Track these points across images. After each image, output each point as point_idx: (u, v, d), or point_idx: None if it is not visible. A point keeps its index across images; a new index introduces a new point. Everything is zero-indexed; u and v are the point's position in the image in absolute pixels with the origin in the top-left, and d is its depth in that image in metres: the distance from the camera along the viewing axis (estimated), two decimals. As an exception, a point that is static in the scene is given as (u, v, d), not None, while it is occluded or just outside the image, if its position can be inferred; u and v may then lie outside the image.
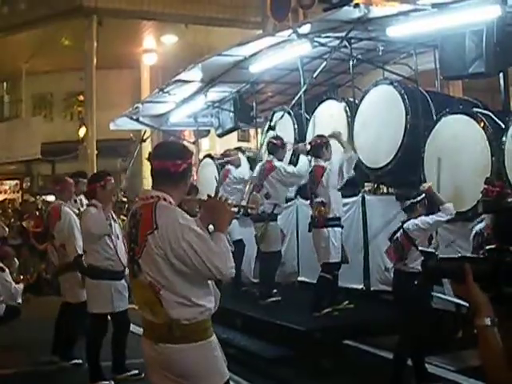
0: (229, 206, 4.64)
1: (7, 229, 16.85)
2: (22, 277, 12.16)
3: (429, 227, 8.02)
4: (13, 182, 32.41)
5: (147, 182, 25.23)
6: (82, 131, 25.76)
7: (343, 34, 10.35)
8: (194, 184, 11.55)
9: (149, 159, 4.56)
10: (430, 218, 8.01)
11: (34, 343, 9.51)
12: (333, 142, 9.97)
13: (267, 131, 10.75)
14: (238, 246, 10.94)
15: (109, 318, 8.73)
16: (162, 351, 4.39)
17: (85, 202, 11.15)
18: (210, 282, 4.49)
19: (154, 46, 26.21)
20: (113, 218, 8.61)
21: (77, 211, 10.11)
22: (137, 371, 8.69)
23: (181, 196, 4.61)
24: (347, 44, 10.87)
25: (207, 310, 4.40)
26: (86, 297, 9.44)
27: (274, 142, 10.81)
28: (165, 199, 4.40)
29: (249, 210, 9.60)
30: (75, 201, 10.80)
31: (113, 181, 8.72)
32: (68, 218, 9.68)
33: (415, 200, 8.22)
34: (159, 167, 4.51)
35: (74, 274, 9.57)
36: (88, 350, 8.63)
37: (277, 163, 10.65)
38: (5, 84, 35.24)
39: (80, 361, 9.42)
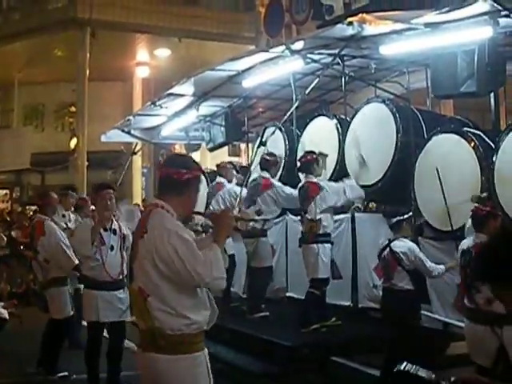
0: (230, 218, 4.65)
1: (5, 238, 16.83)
2: (9, 287, 12.11)
3: (418, 265, 8.05)
4: (2, 192, 32.29)
5: (137, 195, 25.26)
6: (73, 142, 25.70)
7: (336, 51, 10.38)
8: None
9: (157, 168, 4.62)
10: (426, 263, 8.04)
11: (23, 354, 9.47)
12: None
13: (258, 147, 10.76)
14: (230, 261, 10.94)
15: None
16: (148, 360, 4.40)
17: (73, 216, 11.15)
18: (204, 296, 4.47)
19: (147, 58, 26.19)
20: (111, 228, 8.60)
21: (64, 225, 10.08)
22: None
23: (184, 207, 4.59)
24: (340, 61, 10.92)
25: (195, 324, 4.36)
26: (70, 312, 9.49)
27: (268, 158, 10.84)
28: (162, 207, 4.43)
29: (238, 225, 9.59)
30: (63, 215, 10.75)
31: (112, 193, 8.74)
32: (53, 233, 9.64)
33: (401, 218, 8.25)
34: (164, 174, 4.56)
35: (58, 290, 9.58)
36: (85, 360, 8.63)
37: (275, 182, 10.70)
38: (-3, 93, 35.20)
39: (66, 373, 9.42)
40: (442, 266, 8.21)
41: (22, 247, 16.03)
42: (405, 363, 3.46)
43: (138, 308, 4.48)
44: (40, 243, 9.63)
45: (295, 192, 10.37)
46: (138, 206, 15.59)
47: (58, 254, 9.48)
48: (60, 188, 11.62)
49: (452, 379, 3.33)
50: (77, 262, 9.28)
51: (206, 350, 4.51)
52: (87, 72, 23.82)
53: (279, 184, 10.73)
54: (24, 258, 14.75)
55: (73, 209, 11.48)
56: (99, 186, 8.94)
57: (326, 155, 10.48)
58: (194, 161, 4.90)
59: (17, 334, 10.32)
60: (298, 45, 10.31)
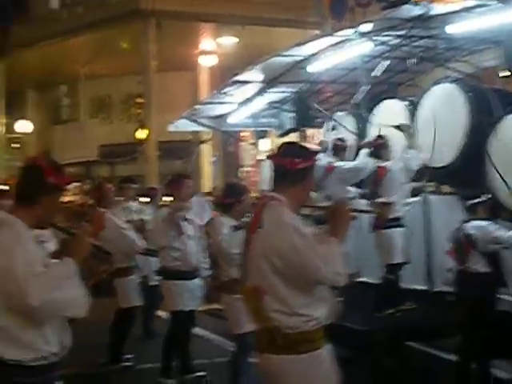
0: (347, 210, 4.44)
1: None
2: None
3: (494, 246, 7.84)
4: (73, 185, 32.67)
5: (206, 184, 25.35)
6: (141, 133, 25.91)
7: (403, 32, 10.24)
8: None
9: (269, 157, 4.51)
10: (506, 235, 7.81)
11: (94, 345, 9.59)
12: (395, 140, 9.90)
13: (328, 131, 10.67)
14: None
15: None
16: (267, 361, 4.28)
17: (135, 206, 11.15)
18: (323, 290, 4.30)
19: (212, 47, 26.22)
20: (187, 218, 8.65)
21: (124, 218, 10.03)
22: (203, 373, 8.73)
23: (299, 198, 4.42)
24: (408, 42, 10.77)
25: (314, 320, 4.20)
26: (138, 301, 9.57)
27: (337, 143, 10.78)
28: (277, 199, 4.30)
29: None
30: (124, 207, 10.73)
31: (190, 183, 8.78)
32: (113, 225, 9.57)
33: (477, 201, 8.08)
34: (277, 164, 4.41)
35: (124, 280, 9.66)
36: (164, 349, 8.71)
37: (336, 163, 10.62)
38: (64, 87, 35.65)
39: (131, 363, 9.53)
40: None
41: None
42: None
43: (252, 307, 4.37)
44: (101, 237, 9.59)
45: (355, 164, 10.28)
46: (209, 194, 15.67)
47: (121, 244, 9.48)
48: (119, 180, 11.63)
49: None
50: (142, 245, 9.34)
51: (327, 346, 4.34)
52: (153, 63, 23.98)
53: (338, 163, 10.63)
54: (96, 249, 14.85)
55: (135, 199, 11.48)
56: (178, 176, 9.00)
57: (408, 126, 10.31)
58: (307, 149, 4.75)
59: (88, 324, 10.44)
60: (366, 27, 10.19)
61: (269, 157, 4.53)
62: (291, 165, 4.32)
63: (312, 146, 12.26)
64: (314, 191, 10.43)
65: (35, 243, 4.05)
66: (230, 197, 7.68)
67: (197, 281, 8.69)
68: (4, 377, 3.91)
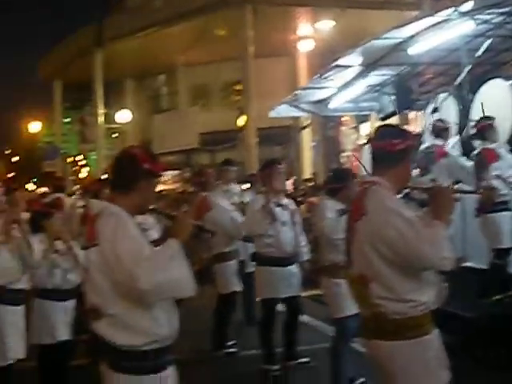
0: (450, 192, 4.38)
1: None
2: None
3: None
4: (173, 173, 33.10)
5: (307, 169, 25.32)
6: (241, 120, 26.03)
7: (507, 10, 9.97)
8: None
9: (368, 142, 4.49)
10: None
11: (198, 331, 9.67)
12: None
13: (431, 113, 10.47)
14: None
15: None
16: (374, 348, 4.27)
17: (236, 189, 11.19)
18: (431, 274, 4.26)
19: (310, 32, 26.13)
20: (280, 204, 8.62)
21: (226, 201, 10.10)
22: (307, 359, 8.73)
23: (400, 180, 4.40)
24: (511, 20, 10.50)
25: (422, 305, 4.16)
26: (237, 287, 9.60)
27: (438, 124, 10.57)
28: (379, 184, 4.27)
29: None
30: (225, 190, 10.78)
31: (282, 169, 8.74)
32: (219, 207, 9.71)
33: None
34: (376, 148, 4.40)
35: (223, 265, 9.70)
36: (259, 335, 8.74)
37: (453, 152, 10.43)
38: (162, 76, 36.15)
39: (235, 349, 9.58)
40: None
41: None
42: None
43: (358, 294, 4.37)
44: (206, 218, 9.63)
45: (469, 165, 10.01)
46: (309, 180, 15.60)
47: (227, 226, 9.55)
48: (219, 163, 11.68)
49: None
50: (244, 233, 9.36)
51: (435, 331, 4.29)
52: (251, 49, 24.04)
53: (455, 154, 10.41)
54: (198, 236, 15.01)
55: (235, 182, 11.50)
56: (268, 162, 8.96)
57: None
58: (405, 130, 4.74)
59: (191, 311, 10.57)
60: (467, 6, 9.96)
61: (367, 141, 4.49)
62: (390, 147, 4.30)
63: (411, 128, 12.03)
64: (422, 174, 10.29)
65: (139, 230, 4.14)
66: (336, 182, 7.63)
67: (292, 268, 8.63)
68: (117, 362, 4.03)
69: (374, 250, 4.12)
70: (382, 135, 4.46)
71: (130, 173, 4.17)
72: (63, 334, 7.37)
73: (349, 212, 4.50)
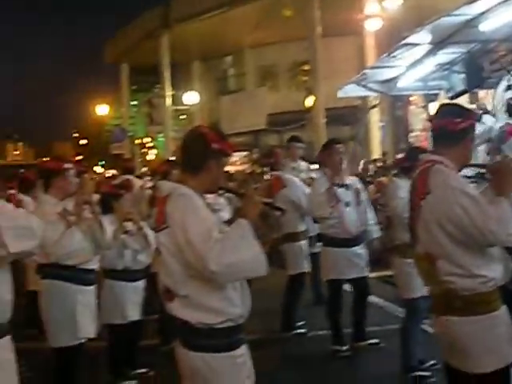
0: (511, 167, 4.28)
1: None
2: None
3: None
4: (241, 154, 33.21)
5: (375, 149, 25.13)
6: (309, 100, 25.94)
7: None
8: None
9: (429, 120, 4.49)
10: None
11: (269, 311, 9.68)
12: None
13: (504, 92, 10.24)
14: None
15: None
16: (444, 324, 4.28)
17: (304, 165, 11.14)
18: (497, 250, 4.25)
19: (377, 10, 25.82)
20: (344, 184, 8.57)
21: (296, 178, 10.07)
22: (376, 340, 8.69)
23: (461, 158, 4.40)
24: None
25: (490, 281, 4.16)
26: (305, 268, 9.57)
27: (512, 103, 10.38)
28: (441, 162, 4.26)
29: None
30: (293, 167, 10.74)
31: (341, 149, 8.67)
32: (293, 184, 9.71)
33: None
34: (437, 126, 4.42)
35: (291, 246, 9.68)
36: (327, 316, 8.73)
37: None
38: (229, 57, 36.21)
39: (304, 330, 9.57)
40: None
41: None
42: None
43: (426, 273, 4.41)
44: (280, 195, 9.58)
45: None
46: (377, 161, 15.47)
47: (299, 202, 9.53)
48: (286, 140, 11.64)
49: None
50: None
51: (503, 307, 4.29)
52: (318, 29, 23.90)
53: None
54: (269, 215, 14.99)
55: (303, 159, 11.43)
56: (328, 142, 8.92)
57: None
58: (466, 108, 4.71)
59: (261, 291, 10.60)
60: (541, -20, 9.72)
61: (429, 120, 4.45)
62: (452, 125, 4.29)
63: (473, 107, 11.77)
64: (493, 154, 10.10)
65: (209, 210, 4.14)
66: (411, 160, 7.55)
67: (357, 248, 8.57)
68: (190, 341, 4.07)
69: (441, 229, 4.14)
70: (443, 114, 4.46)
71: (198, 152, 4.18)
72: (133, 314, 7.50)
73: (412, 191, 4.48)
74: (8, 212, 4.16)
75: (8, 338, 4.44)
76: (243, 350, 4.20)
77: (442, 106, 4.75)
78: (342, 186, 8.58)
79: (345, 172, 8.78)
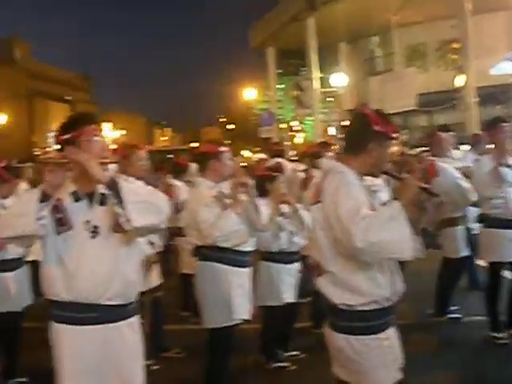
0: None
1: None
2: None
3: None
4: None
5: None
6: (459, 79, 25.35)
7: None
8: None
9: None
10: None
11: (422, 294, 9.54)
12: None
13: None
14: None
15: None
16: None
17: (457, 154, 10.87)
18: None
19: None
20: (509, 165, 8.31)
21: (453, 167, 9.83)
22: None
23: None
24: None
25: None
26: (465, 252, 9.34)
27: None
28: None
29: None
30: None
31: (508, 127, 8.40)
32: (446, 173, 9.42)
33: None
34: None
35: (451, 230, 9.48)
36: (486, 301, 8.52)
37: None
38: (376, 38, 35.87)
39: (458, 315, 9.37)
40: None
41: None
42: None
43: None
44: (434, 184, 9.41)
45: None
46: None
47: (454, 194, 9.32)
48: (438, 128, 11.39)
49: None
50: (474, 198, 9.09)
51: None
52: (468, 6, 23.33)
53: None
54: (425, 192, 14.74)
55: (455, 148, 11.15)
56: (492, 120, 8.64)
57: None
58: None
59: (415, 274, 10.49)
60: None
61: None
62: None
63: None
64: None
65: (366, 191, 4.15)
66: None
67: None
68: (335, 322, 4.15)
69: None
70: None
71: (360, 134, 4.19)
72: (288, 296, 7.53)
73: None
74: (134, 188, 4.20)
75: (134, 319, 4.37)
76: (390, 333, 4.19)
77: None
78: (507, 166, 8.33)
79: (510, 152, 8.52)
